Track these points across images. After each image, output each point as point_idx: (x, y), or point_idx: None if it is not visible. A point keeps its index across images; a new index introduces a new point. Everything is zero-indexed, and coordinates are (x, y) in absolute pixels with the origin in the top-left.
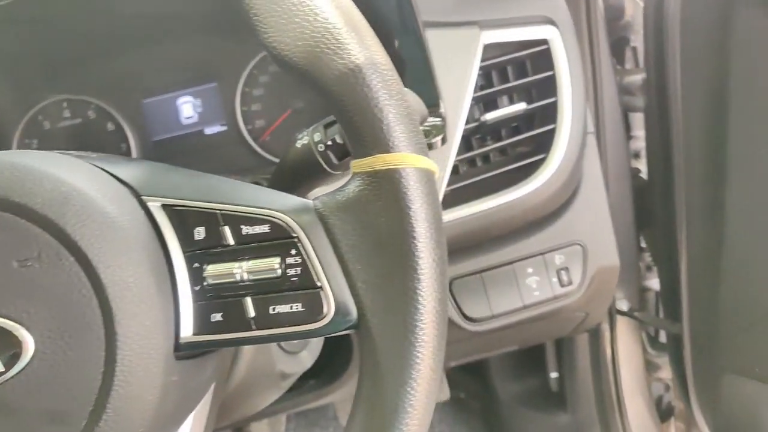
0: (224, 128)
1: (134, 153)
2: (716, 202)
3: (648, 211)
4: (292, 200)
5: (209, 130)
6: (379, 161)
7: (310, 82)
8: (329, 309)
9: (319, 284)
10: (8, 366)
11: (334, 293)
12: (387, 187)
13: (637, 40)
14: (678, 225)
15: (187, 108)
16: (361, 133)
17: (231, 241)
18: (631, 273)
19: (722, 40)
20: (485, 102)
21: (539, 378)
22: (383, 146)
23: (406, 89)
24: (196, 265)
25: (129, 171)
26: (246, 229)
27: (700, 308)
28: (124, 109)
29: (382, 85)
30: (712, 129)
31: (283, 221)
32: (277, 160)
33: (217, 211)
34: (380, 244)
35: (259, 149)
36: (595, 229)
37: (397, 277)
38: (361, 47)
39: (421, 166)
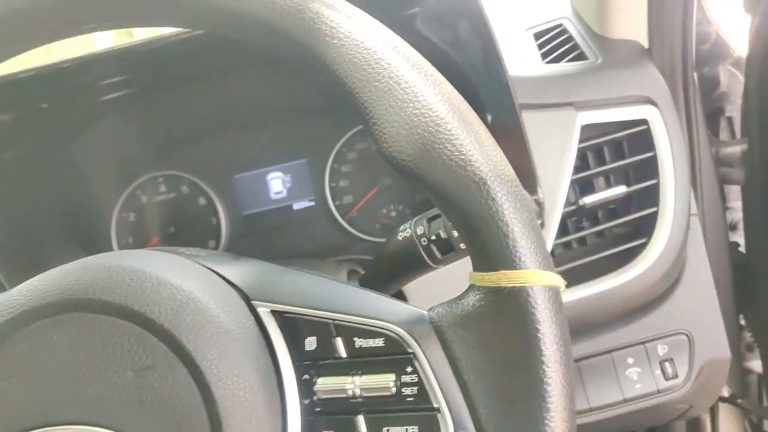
0: (312, 204)
1: (224, 226)
2: None
3: (749, 288)
4: (406, 310)
5: (298, 206)
6: (504, 278)
7: (432, 192)
8: None
9: (436, 406)
10: None
11: (453, 417)
12: (513, 306)
13: (733, 110)
14: None
15: (277, 183)
16: (486, 248)
17: (343, 353)
18: (731, 355)
19: None
20: (581, 184)
21: None
22: (509, 263)
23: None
24: (306, 377)
25: (239, 272)
26: (359, 342)
27: None
28: (215, 184)
29: (507, 197)
30: None
31: (399, 335)
32: (364, 237)
33: (330, 321)
34: (504, 367)
35: (346, 225)
36: (701, 317)
37: (524, 404)
38: (486, 159)
39: (548, 283)
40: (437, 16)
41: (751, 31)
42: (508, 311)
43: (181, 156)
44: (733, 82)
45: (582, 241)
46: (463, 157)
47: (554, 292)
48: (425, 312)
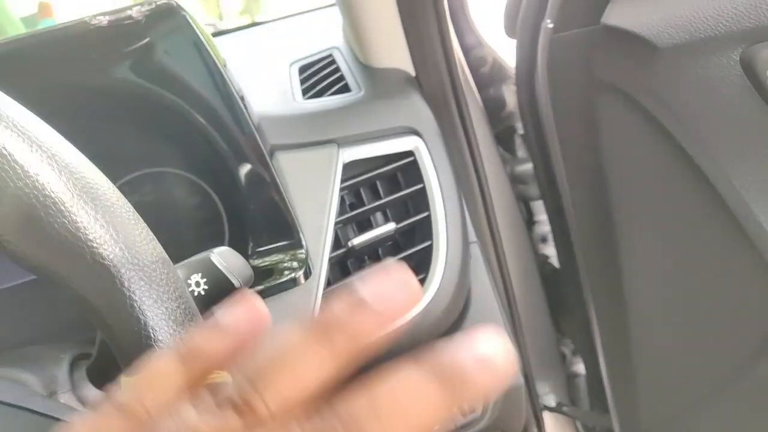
0: None
1: None
2: (616, 289)
3: (562, 298)
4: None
5: None
6: None
7: (54, 284)
8: None
9: None
10: None
11: None
12: None
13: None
14: (589, 313)
15: None
16: (122, 351)
17: None
18: (553, 364)
19: (591, 125)
20: (358, 221)
21: None
22: None
23: (223, 248)
24: None
25: None
26: None
27: (624, 398)
28: None
29: (141, 283)
30: (601, 214)
31: None
32: None
33: None
34: None
35: None
36: None
37: None
38: (114, 238)
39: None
40: (171, 51)
41: (515, 54)
42: None
43: None
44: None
45: None
46: (81, 240)
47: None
48: None
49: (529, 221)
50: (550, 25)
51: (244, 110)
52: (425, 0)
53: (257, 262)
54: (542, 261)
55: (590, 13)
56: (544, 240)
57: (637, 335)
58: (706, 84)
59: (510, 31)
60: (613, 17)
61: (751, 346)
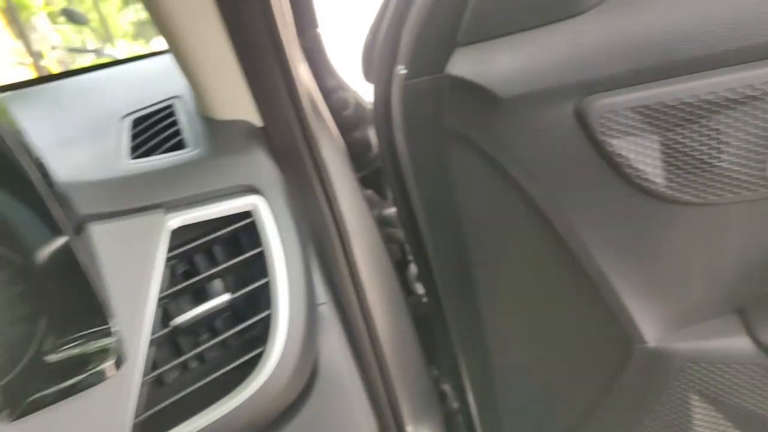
0: None
1: None
2: (478, 327)
3: (433, 338)
4: None
5: None
6: None
7: None
8: None
9: None
10: None
11: None
12: None
13: None
14: (456, 351)
15: None
16: None
17: None
18: (431, 405)
19: (445, 169)
20: (195, 291)
21: None
22: None
23: None
24: None
25: None
26: None
27: None
28: None
29: None
30: (460, 256)
31: None
32: None
33: None
34: None
35: None
36: (345, 414)
37: None
38: None
39: None
40: None
41: (373, 98)
42: None
43: None
44: None
45: (201, 357)
46: None
47: None
48: None
49: (403, 261)
50: (403, 71)
51: (39, 181)
52: (266, 52)
53: (55, 357)
54: (416, 301)
55: (437, 61)
56: (419, 279)
57: (500, 372)
58: (545, 134)
59: (367, 75)
60: (456, 67)
61: (601, 382)
